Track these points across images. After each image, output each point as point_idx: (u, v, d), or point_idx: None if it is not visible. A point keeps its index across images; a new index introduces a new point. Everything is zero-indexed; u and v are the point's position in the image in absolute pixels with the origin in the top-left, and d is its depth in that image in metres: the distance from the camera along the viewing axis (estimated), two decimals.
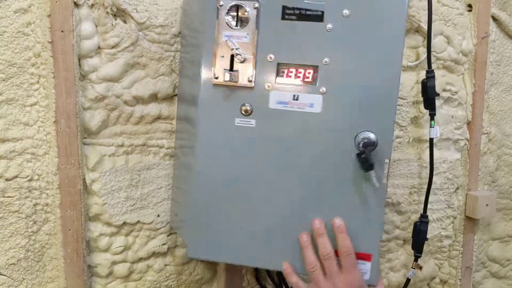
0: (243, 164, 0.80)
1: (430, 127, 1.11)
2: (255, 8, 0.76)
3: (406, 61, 1.15)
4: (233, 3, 0.76)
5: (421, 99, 1.13)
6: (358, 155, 0.77)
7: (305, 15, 0.75)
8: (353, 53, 0.76)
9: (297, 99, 0.78)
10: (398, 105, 1.16)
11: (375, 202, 0.79)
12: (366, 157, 0.75)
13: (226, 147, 0.80)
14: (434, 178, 1.21)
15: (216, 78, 0.78)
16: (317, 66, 0.77)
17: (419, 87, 1.15)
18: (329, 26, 0.76)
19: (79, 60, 0.88)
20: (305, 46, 0.77)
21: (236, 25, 0.77)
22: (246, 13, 0.76)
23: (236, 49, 0.77)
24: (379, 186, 0.78)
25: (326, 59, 0.77)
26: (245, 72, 0.78)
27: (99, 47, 0.90)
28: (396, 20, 0.75)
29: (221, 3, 0.76)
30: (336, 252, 0.78)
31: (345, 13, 0.75)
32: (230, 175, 0.81)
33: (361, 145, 0.76)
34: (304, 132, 0.78)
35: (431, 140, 1.12)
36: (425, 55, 1.10)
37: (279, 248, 0.81)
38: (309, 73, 0.78)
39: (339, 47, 0.76)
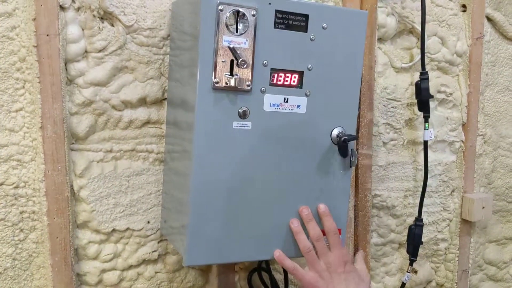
0: (241, 165, 0.83)
1: (424, 129, 1.10)
2: (253, 15, 0.78)
3: (400, 62, 1.14)
4: (234, 9, 0.76)
5: (416, 101, 1.12)
6: (341, 145, 0.88)
7: (292, 25, 0.82)
8: (329, 60, 0.86)
9: (287, 101, 0.84)
10: (392, 107, 1.15)
11: (344, 186, 0.92)
12: (346, 147, 0.88)
13: (224, 150, 0.81)
14: (429, 181, 1.19)
15: (217, 82, 0.78)
16: (303, 71, 0.84)
17: (413, 89, 1.14)
18: (312, 36, 0.83)
19: (65, 65, 0.87)
20: (293, 53, 0.83)
21: (237, 31, 0.77)
22: (246, 20, 0.77)
23: (240, 54, 0.78)
24: (349, 169, 0.91)
25: (309, 65, 0.84)
26: (244, 77, 0.80)
27: (86, 51, 0.88)
28: (358, 32, 0.87)
29: (221, 7, 0.75)
30: (323, 232, 0.88)
31: (324, 25, 0.84)
32: (228, 177, 0.82)
33: (342, 139, 0.87)
34: (293, 131, 0.86)
35: (425, 142, 1.11)
36: (419, 56, 1.10)
37: (276, 239, 0.88)
38: (295, 77, 0.84)
39: (319, 55, 0.85)
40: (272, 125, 0.83)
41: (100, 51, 0.88)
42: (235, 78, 0.77)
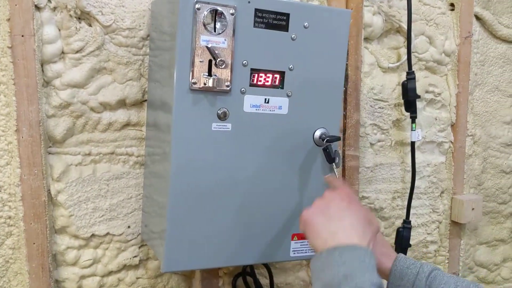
0: (221, 168, 0.81)
1: (411, 130, 1.08)
2: (232, 14, 0.76)
3: (387, 62, 1.12)
4: (211, 8, 0.74)
5: (403, 101, 1.10)
6: (324, 149, 0.86)
7: (272, 25, 0.80)
8: (311, 60, 0.84)
9: (267, 102, 0.82)
10: (379, 107, 1.13)
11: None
12: (329, 151, 0.86)
13: (203, 152, 0.79)
14: (418, 182, 1.18)
15: (195, 83, 0.75)
16: (284, 72, 0.82)
17: (401, 89, 1.12)
18: (293, 35, 0.81)
19: (42, 66, 0.85)
20: (274, 53, 0.81)
21: (215, 31, 0.75)
22: (224, 19, 0.75)
23: (218, 54, 0.76)
24: (334, 171, 0.88)
25: (291, 65, 0.82)
26: (223, 77, 0.78)
27: (62, 52, 0.86)
28: (341, 32, 0.86)
29: (198, 6, 0.73)
30: None
31: (306, 24, 0.82)
32: (208, 180, 0.81)
33: (324, 140, 0.85)
34: (274, 132, 0.84)
35: (412, 143, 1.09)
36: (406, 56, 1.08)
37: (259, 242, 0.86)
38: (276, 77, 0.82)
39: (301, 54, 0.83)
40: (253, 127, 0.81)
41: (77, 51, 0.86)
42: (213, 79, 0.75)
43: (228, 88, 0.78)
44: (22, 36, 0.81)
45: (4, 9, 0.80)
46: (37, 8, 0.82)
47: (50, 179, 0.88)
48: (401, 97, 1.12)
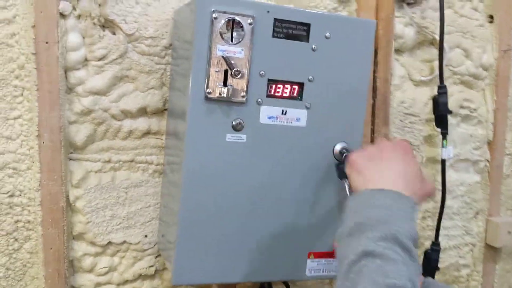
0: (234, 179, 0.79)
1: (442, 147, 1.03)
2: (250, 24, 0.74)
3: (419, 75, 1.08)
4: (229, 17, 0.73)
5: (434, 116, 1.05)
6: (337, 164, 0.82)
7: (292, 35, 0.78)
8: (332, 71, 0.81)
9: (285, 114, 0.80)
10: (410, 122, 1.09)
11: None
12: (343, 167, 0.78)
13: (216, 163, 0.77)
14: (451, 202, 1.12)
15: (209, 93, 0.74)
16: (303, 83, 0.80)
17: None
18: (314, 46, 0.79)
19: (65, 73, 0.85)
20: (293, 64, 0.79)
21: (232, 40, 0.74)
22: (242, 29, 0.74)
23: (234, 64, 0.74)
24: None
25: (311, 76, 0.80)
26: (238, 87, 0.76)
27: (86, 59, 0.86)
28: (365, 43, 0.82)
29: (215, 15, 0.72)
30: None
31: (327, 35, 0.79)
32: (221, 192, 0.79)
33: (344, 155, 0.81)
34: (292, 145, 0.81)
35: (443, 161, 1.04)
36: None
37: (273, 259, 0.84)
38: (294, 89, 0.80)
39: (322, 65, 0.80)
40: (269, 139, 0.79)
41: (100, 59, 0.86)
42: (229, 89, 0.74)
43: (244, 99, 0.76)
44: (46, 43, 0.82)
45: (30, 16, 0.81)
46: (62, 15, 0.83)
47: (70, 185, 0.88)
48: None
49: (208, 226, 0.79)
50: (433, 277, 1.04)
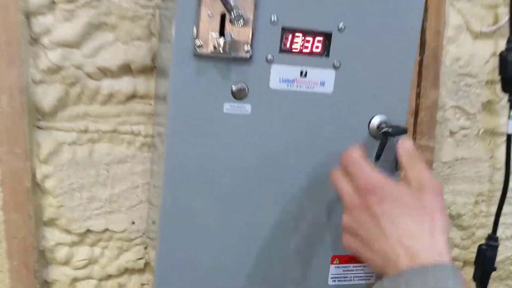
0: (234, 164, 0.63)
1: (509, 118, 0.86)
2: None
3: (480, 25, 0.88)
4: None
5: (499, 78, 0.88)
6: (382, 143, 0.65)
7: None
8: (372, 19, 0.62)
9: (305, 76, 0.63)
10: (466, 85, 0.90)
11: None
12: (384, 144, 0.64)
13: (210, 142, 0.61)
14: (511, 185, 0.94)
15: (200, 46, 0.56)
16: (330, 33, 0.61)
17: (496, 61, 0.89)
18: None
19: (27, 19, 0.69)
20: (316, 7, 0.60)
21: None
22: None
23: (234, 6, 0.55)
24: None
25: (342, 24, 0.61)
26: (240, 39, 0.58)
27: (53, 1, 0.69)
28: None
29: None
30: None
31: None
32: (216, 180, 0.63)
33: (382, 131, 0.64)
34: (313, 118, 0.64)
35: (508, 136, 0.86)
36: (507, 17, 0.85)
37: (287, 265, 0.69)
38: (319, 41, 0.61)
39: (357, 11, 0.61)
40: (282, 110, 0.62)
41: (70, 1, 0.69)
42: (227, 41, 0.55)
43: (248, 55, 0.58)
44: None
45: None
46: None
47: (37, 160, 0.73)
48: (496, 72, 0.89)
49: (200, 221, 0.64)
50: (487, 279, 0.87)
